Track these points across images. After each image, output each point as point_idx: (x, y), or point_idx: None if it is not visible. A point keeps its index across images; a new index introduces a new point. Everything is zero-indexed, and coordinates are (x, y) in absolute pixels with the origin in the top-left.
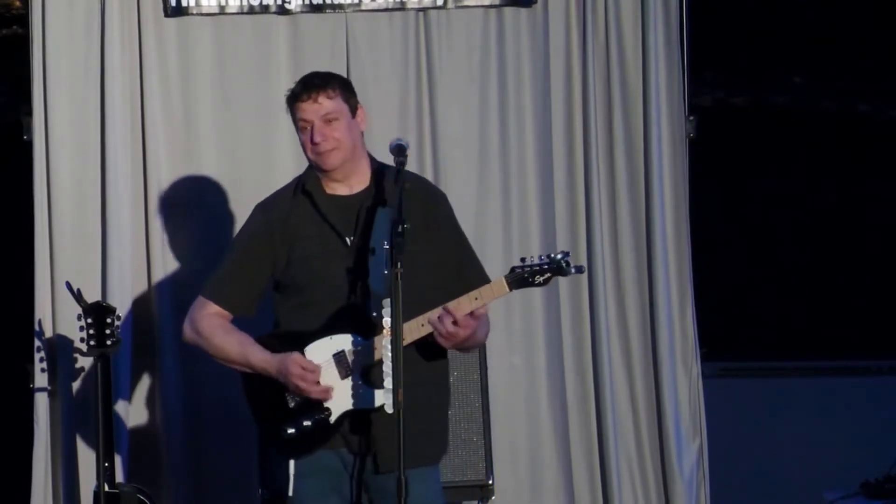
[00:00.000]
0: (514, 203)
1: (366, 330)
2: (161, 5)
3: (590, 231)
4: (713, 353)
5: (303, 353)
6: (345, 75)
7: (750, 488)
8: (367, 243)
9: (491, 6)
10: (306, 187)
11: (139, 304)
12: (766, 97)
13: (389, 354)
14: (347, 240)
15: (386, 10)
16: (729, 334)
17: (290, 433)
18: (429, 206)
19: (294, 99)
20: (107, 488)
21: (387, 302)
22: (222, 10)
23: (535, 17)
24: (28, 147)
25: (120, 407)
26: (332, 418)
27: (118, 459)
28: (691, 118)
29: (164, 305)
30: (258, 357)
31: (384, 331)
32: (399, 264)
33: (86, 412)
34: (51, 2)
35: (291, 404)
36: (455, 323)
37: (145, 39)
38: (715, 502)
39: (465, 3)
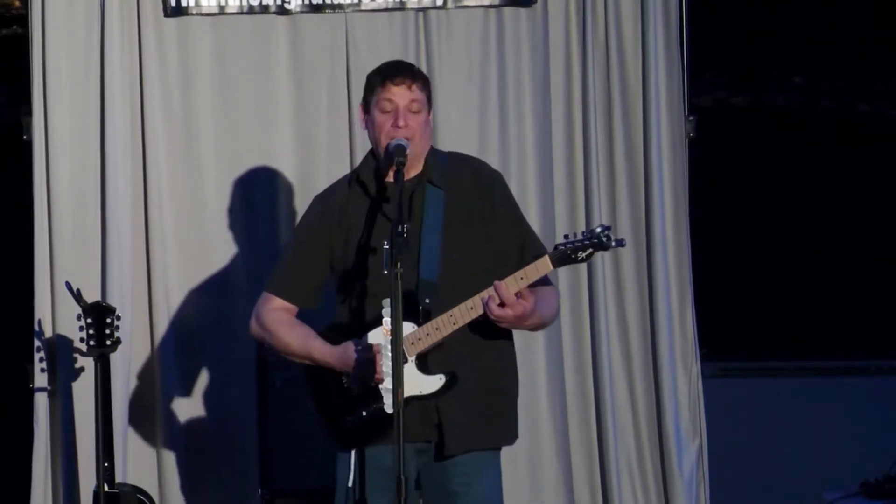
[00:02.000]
0: None
1: (418, 317)
2: (161, 5)
3: None
4: (713, 353)
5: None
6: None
7: (750, 488)
8: (419, 229)
9: (491, 6)
10: (361, 177)
11: (139, 304)
12: (766, 97)
13: (389, 354)
14: (402, 227)
15: (386, 10)
16: (729, 334)
17: (350, 422)
18: (484, 188)
19: (384, 79)
20: (107, 488)
21: (387, 301)
22: (222, 10)
23: (535, 17)
24: (28, 147)
25: (120, 406)
26: (389, 407)
27: (118, 459)
28: (691, 118)
29: (163, 305)
30: (319, 350)
31: (385, 330)
32: (399, 264)
33: (86, 412)
34: (51, 2)
35: (350, 395)
36: (502, 304)
37: (145, 39)
38: (715, 502)
39: (465, 3)
